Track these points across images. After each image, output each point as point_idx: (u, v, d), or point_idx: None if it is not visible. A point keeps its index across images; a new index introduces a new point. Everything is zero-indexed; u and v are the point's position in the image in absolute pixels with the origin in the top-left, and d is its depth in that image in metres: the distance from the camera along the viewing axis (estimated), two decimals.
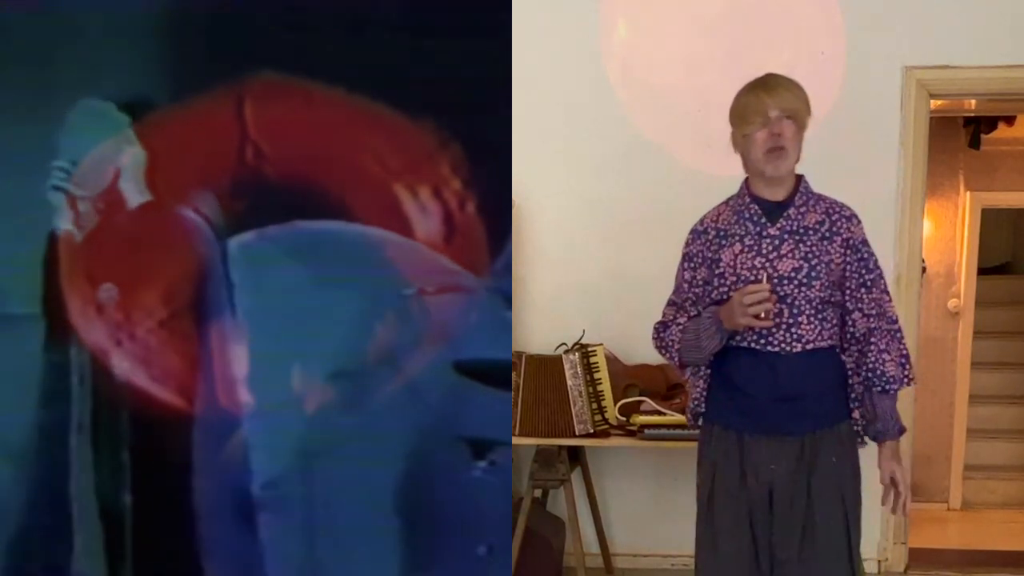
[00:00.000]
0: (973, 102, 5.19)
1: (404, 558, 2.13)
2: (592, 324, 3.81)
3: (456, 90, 2.09)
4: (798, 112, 2.35)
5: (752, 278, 2.33)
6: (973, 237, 6.06)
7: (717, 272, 2.40)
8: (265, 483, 2.12)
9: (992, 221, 6.46)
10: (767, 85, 2.38)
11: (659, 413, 3.62)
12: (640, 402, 3.68)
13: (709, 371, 2.49)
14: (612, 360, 3.78)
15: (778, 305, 2.32)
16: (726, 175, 4.03)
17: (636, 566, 4.08)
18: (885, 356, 2.38)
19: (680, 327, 2.48)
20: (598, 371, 3.63)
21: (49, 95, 2.12)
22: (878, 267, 2.44)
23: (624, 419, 3.65)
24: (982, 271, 6.28)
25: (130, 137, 2.12)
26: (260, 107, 2.11)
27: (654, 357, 3.91)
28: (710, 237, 2.45)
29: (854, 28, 3.86)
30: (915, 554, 4.17)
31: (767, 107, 2.33)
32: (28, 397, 2.12)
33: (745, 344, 2.37)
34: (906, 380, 2.42)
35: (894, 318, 2.43)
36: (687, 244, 2.52)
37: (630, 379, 3.82)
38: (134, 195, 2.12)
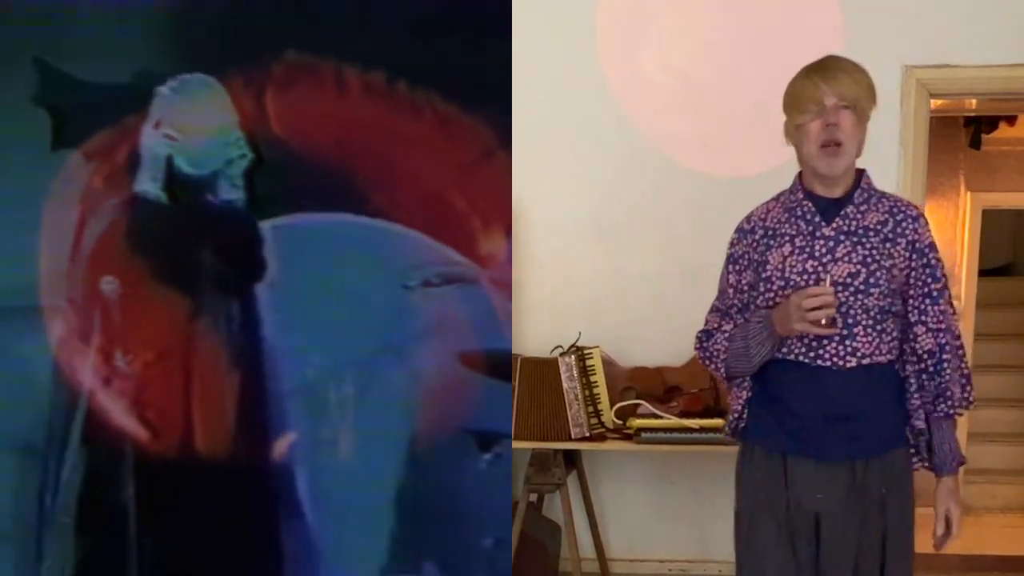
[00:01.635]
0: (974, 102, 5.17)
1: (412, 551, 2.12)
2: (588, 326, 3.78)
3: (456, 92, 2.07)
4: (859, 101, 2.11)
5: (802, 283, 2.12)
6: (974, 238, 6.03)
7: (764, 275, 2.19)
8: (270, 476, 2.12)
9: (993, 222, 6.43)
10: (825, 69, 2.14)
11: (656, 416, 3.57)
12: (637, 405, 3.65)
13: (751, 383, 2.27)
14: (608, 362, 3.75)
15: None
16: (723, 176, 4.06)
17: (633, 571, 4.04)
18: (953, 376, 2.17)
19: (726, 335, 2.26)
20: (594, 374, 3.60)
21: (58, 80, 2.07)
22: (944, 275, 2.22)
23: (621, 422, 3.62)
24: (983, 273, 6.25)
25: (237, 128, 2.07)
26: (282, 93, 2.05)
27: (651, 359, 3.94)
28: (757, 237, 2.23)
29: (853, 26, 3.83)
30: (915, 559, 4.12)
31: (823, 94, 2.10)
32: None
33: (792, 357, 2.16)
34: (967, 402, 2.21)
35: (958, 334, 2.22)
36: (732, 244, 2.30)
37: (627, 382, 3.79)
38: (228, 190, 2.08)
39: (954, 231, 6.06)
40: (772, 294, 2.18)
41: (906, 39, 3.84)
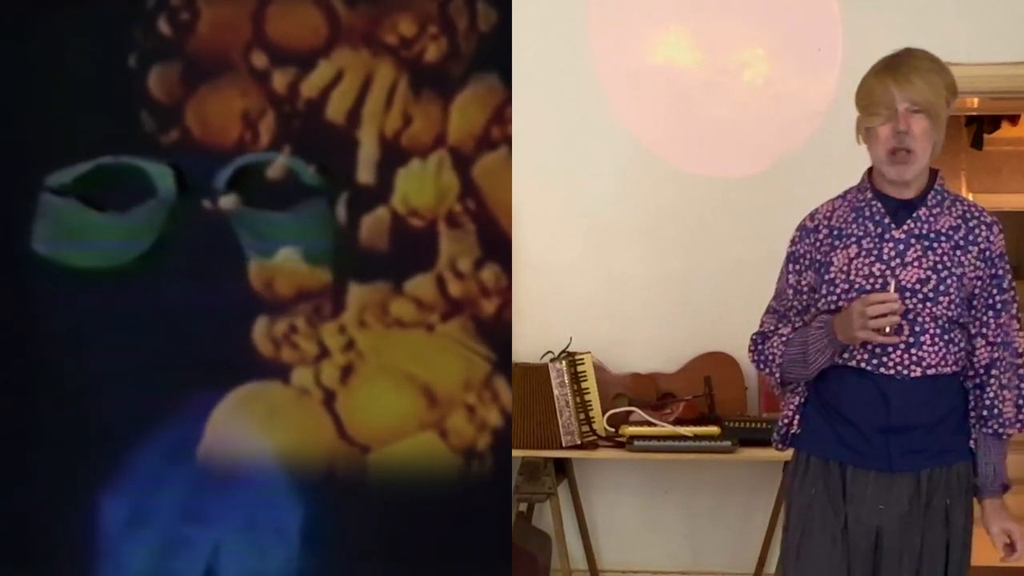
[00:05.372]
0: (976, 100, 5.12)
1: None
2: (579, 331, 3.72)
3: None
4: (932, 105, 2.04)
5: (868, 287, 2.03)
6: None
7: (827, 278, 2.09)
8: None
9: None
10: (896, 71, 2.04)
11: (649, 424, 3.52)
12: (629, 412, 3.59)
13: (804, 388, 2.18)
14: (600, 369, 3.70)
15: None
16: (718, 176, 4.01)
17: None
18: (1005, 393, 2.08)
19: (783, 339, 2.16)
20: (585, 380, 3.55)
21: None
22: (1012, 287, 2.13)
23: (612, 430, 3.57)
24: None
25: None
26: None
27: (644, 365, 3.88)
28: (821, 236, 2.13)
29: (852, 24, 3.78)
30: None
31: (894, 99, 2.02)
32: None
33: (853, 364, 2.06)
34: (1021, 424, 2.12)
35: (1020, 350, 2.12)
36: (793, 243, 2.19)
37: (619, 388, 3.74)
38: None
39: None
40: (835, 297, 2.08)
41: (906, 37, 3.72)
